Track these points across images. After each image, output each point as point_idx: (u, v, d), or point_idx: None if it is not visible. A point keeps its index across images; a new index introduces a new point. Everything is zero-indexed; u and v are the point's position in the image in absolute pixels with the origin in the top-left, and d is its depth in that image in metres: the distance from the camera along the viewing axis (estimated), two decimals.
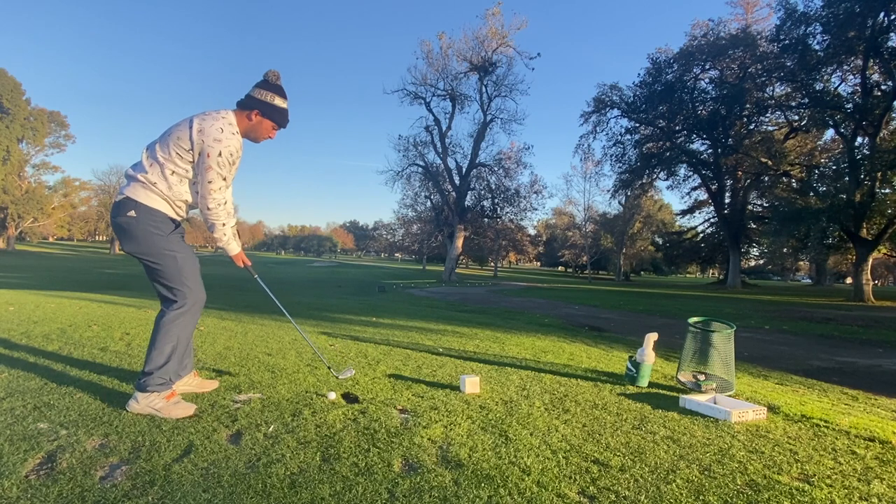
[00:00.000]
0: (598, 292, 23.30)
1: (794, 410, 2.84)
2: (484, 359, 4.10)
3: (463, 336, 5.57)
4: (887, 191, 22.88)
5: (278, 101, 2.33)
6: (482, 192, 34.20)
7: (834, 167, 27.82)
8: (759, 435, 2.38)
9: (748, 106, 29.26)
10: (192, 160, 2.20)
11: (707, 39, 30.11)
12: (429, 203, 37.59)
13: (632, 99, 32.37)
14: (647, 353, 3.36)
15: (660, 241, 56.84)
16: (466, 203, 33.22)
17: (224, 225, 2.33)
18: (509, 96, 31.89)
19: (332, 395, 2.62)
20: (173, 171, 2.21)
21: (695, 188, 40.96)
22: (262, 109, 2.30)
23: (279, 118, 2.36)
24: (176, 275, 2.28)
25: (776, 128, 32.57)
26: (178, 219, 2.33)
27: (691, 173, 36.98)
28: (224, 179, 2.24)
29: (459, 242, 32.70)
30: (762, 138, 30.65)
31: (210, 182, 2.21)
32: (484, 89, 31.87)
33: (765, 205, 36.63)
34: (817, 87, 25.37)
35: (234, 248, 2.46)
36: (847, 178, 23.62)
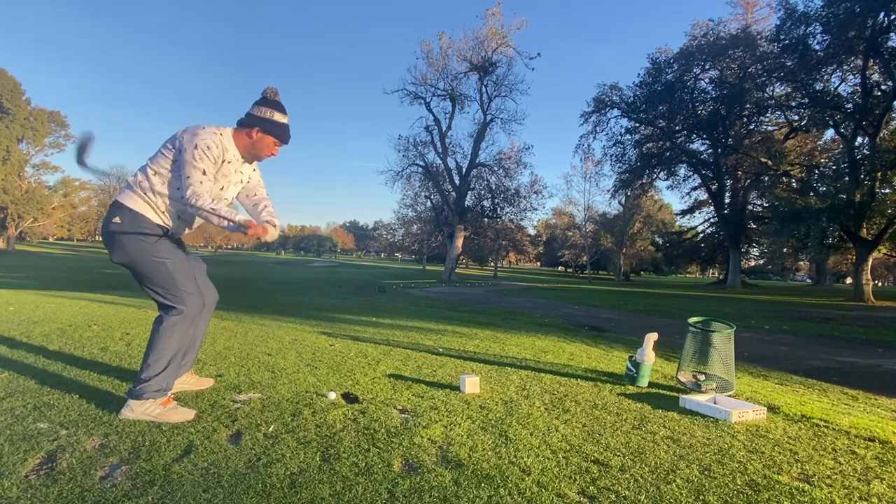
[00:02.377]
0: (598, 292, 23.30)
1: (794, 410, 2.84)
2: (484, 359, 4.10)
3: (463, 336, 5.57)
4: (887, 191, 22.89)
5: (278, 117, 2.32)
6: (482, 192, 34.20)
7: (834, 167, 27.81)
8: (759, 435, 2.38)
9: (748, 106, 29.26)
10: (174, 159, 2.20)
11: (707, 39, 30.10)
12: (429, 203, 37.59)
13: (632, 99, 32.38)
14: (647, 353, 3.36)
15: (660, 241, 56.81)
16: (466, 203, 33.21)
17: (213, 201, 2.16)
18: (509, 96, 31.90)
19: (332, 395, 2.62)
20: (156, 172, 2.20)
21: (695, 188, 40.97)
22: (262, 126, 2.29)
23: (280, 133, 2.35)
24: (168, 281, 2.23)
25: (776, 128, 32.57)
26: (165, 226, 2.26)
27: (691, 173, 36.99)
28: (203, 174, 2.16)
29: (459, 242, 32.69)
30: (762, 138, 30.66)
31: (188, 177, 2.14)
32: (484, 89, 31.87)
33: (765, 205, 36.61)
34: (817, 87, 25.38)
35: (239, 216, 2.21)
36: (847, 178, 23.63)
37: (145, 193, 2.19)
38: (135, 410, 2.14)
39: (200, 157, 2.15)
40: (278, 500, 1.53)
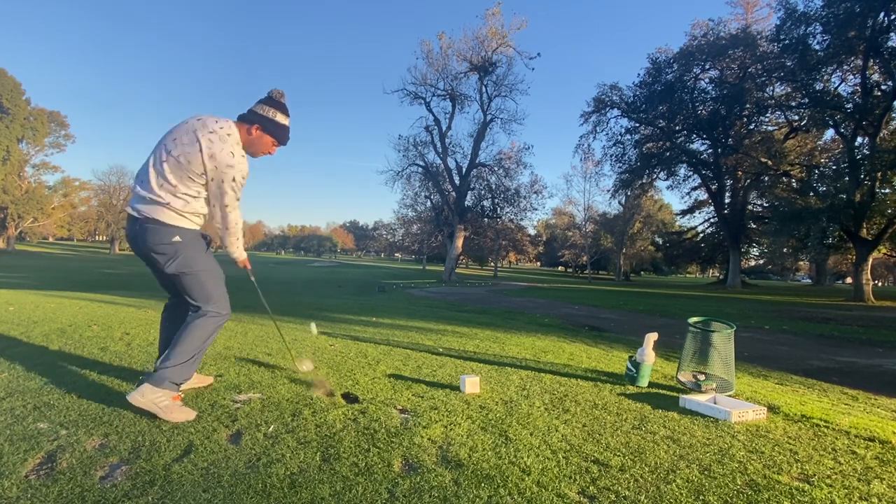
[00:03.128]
0: (598, 292, 23.30)
1: (794, 410, 2.84)
2: (484, 359, 4.10)
3: (463, 336, 5.57)
4: (887, 191, 22.89)
5: (280, 118, 2.36)
6: (482, 192, 34.20)
7: (834, 167, 27.85)
8: (759, 435, 2.38)
9: (748, 106, 29.26)
10: (203, 183, 2.25)
11: (707, 39, 30.10)
12: (429, 203, 37.59)
13: (632, 99, 32.38)
14: (647, 353, 3.36)
15: (660, 241, 56.83)
16: (466, 203, 33.21)
17: (238, 240, 2.45)
18: (509, 96, 31.89)
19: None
20: (186, 193, 2.24)
21: (695, 188, 40.98)
22: (263, 125, 2.33)
23: (280, 134, 2.39)
24: (215, 288, 2.38)
25: (776, 128, 32.58)
26: (200, 231, 2.41)
27: (691, 173, 37.00)
28: (238, 200, 2.32)
29: (459, 242, 32.69)
30: (762, 138, 30.66)
31: (227, 206, 2.29)
32: (484, 89, 31.87)
33: (765, 205, 36.63)
34: (817, 87, 25.38)
35: (241, 254, 2.56)
36: (847, 178, 23.63)
37: (186, 212, 2.26)
38: (145, 396, 2.14)
39: (238, 187, 2.27)
40: (278, 500, 1.53)
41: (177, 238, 2.26)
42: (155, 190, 2.22)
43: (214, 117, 2.28)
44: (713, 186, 35.34)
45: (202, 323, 2.31)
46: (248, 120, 2.32)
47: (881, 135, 22.77)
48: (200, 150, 2.17)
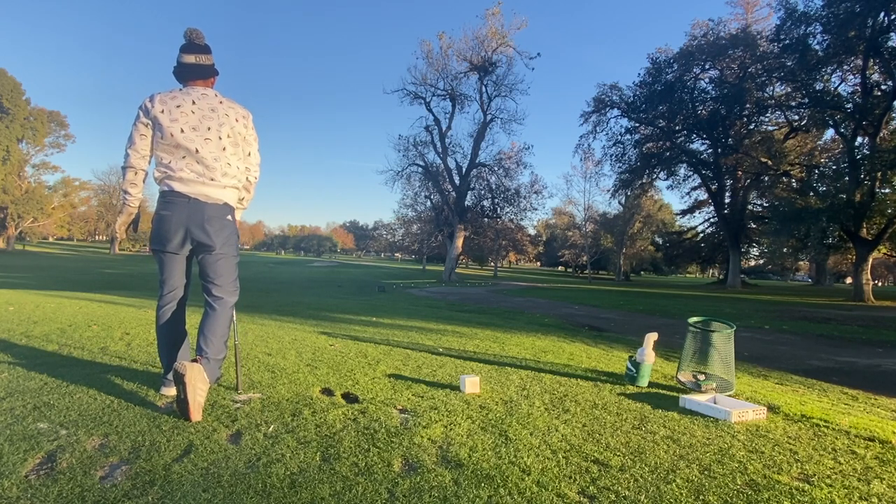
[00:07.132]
0: (598, 292, 23.29)
1: (794, 410, 2.84)
2: (484, 359, 4.10)
3: (463, 336, 5.57)
4: (887, 191, 22.89)
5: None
6: (482, 192, 34.24)
7: (834, 167, 27.86)
8: (759, 435, 2.38)
9: (748, 106, 29.27)
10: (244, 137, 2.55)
11: (707, 39, 30.12)
12: (429, 203, 37.62)
13: (632, 99, 32.39)
14: (647, 352, 3.36)
15: (660, 241, 56.80)
16: (466, 203, 33.23)
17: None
18: (509, 96, 31.97)
19: None
20: (234, 153, 2.47)
21: (695, 188, 41.00)
22: (216, 72, 2.53)
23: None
24: (236, 273, 2.56)
25: (776, 128, 32.58)
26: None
27: (691, 173, 37.02)
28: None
29: (459, 242, 32.71)
30: (762, 138, 30.67)
31: (256, 157, 2.59)
32: (484, 89, 31.91)
33: (765, 205, 36.62)
34: (817, 87, 25.38)
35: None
36: (847, 178, 23.63)
37: (235, 188, 2.48)
38: (212, 375, 2.35)
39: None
40: (278, 500, 1.53)
41: (229, 217, 2.46)
42: (221, 168, 2.44)
43: (223, 96, 2.52)
44: (713, 186, 35.34)
45: (230, 311, 2.50)
46: (212, 73, 2.51)
47: (881, 135, 22.77)
48: (240, 108, 2.54)
